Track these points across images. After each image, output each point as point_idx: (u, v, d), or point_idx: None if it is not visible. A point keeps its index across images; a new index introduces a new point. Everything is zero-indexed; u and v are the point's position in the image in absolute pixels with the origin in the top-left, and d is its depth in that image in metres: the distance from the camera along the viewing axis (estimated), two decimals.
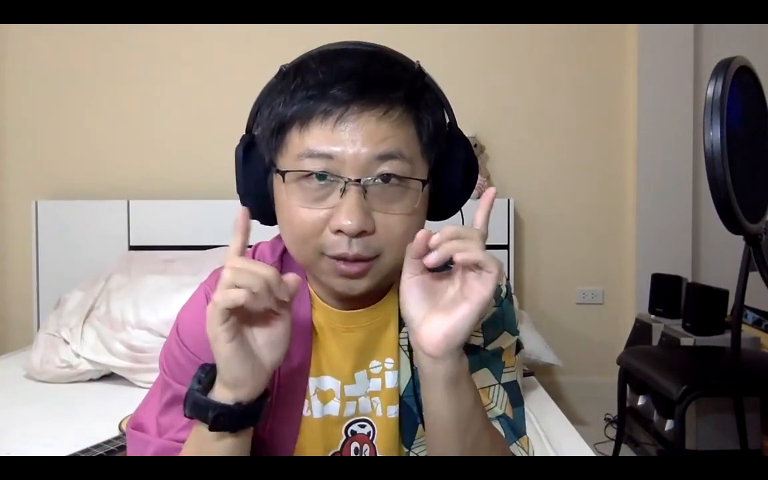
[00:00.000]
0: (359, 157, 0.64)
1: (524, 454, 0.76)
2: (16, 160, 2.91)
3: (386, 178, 0.65)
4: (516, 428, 0.77)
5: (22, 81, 2.90)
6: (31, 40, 2.88)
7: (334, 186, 0.65)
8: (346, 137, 0.64)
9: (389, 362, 0.76)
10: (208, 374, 0.64)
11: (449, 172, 0.72)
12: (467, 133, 0.76)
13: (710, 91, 1.54)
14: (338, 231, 0.64)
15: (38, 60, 2.90)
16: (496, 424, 0.75)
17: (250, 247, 0.81)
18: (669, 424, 2.27)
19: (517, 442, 0.76)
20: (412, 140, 0.67)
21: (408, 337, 0.76)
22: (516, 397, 0.78)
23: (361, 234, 0.64)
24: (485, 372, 0.76)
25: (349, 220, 0.63)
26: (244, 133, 0.74)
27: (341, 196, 0.64)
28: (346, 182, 0.64)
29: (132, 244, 2.74)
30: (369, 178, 0.65)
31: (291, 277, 0.62)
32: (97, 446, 1.42)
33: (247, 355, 0.61)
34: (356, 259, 0.66)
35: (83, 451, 1.40)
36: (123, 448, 1.42)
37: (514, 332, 0.80)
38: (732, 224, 1.59)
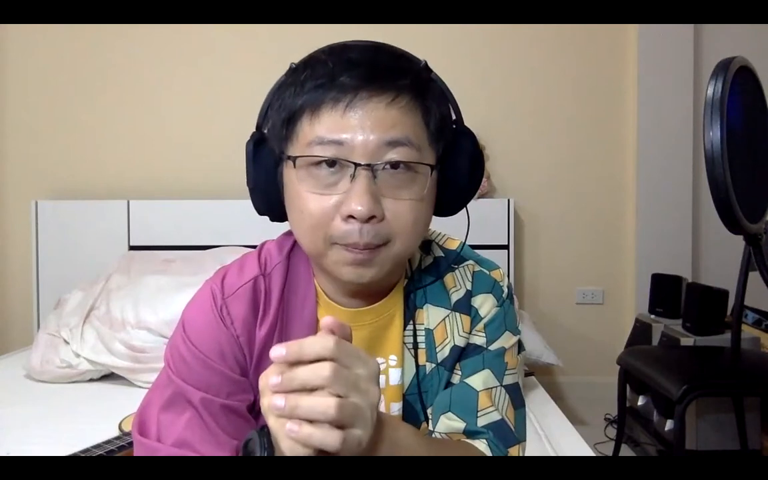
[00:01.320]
0: (368, 143, 0.65)
1: None
2: (16, 160, 2.91)
3: (395, 164, 0.66)
4: (509, 436, 0.75)
5: (22, 81, 2.90)
6: (31, 40, 2.88)
7: (344, 172, 0.66)
8: (356, 123, 0.65)
9: (393, 359, 0.76)
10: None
11: (456, 164, 0.73)
12: None
13: (710, 91, 1.54)
14: (349, 217, 0.65)
15: (38, 60, 2.90)
16: (482, 445, 0.73)
17: (255, 247, 0.81)
18: (669, 424, 2.27)
19: (508, 454, 0.75)
20: (420, 128, 0.68)
21: (412, 335, 0.76)
22: (517, 400, 0.78)
23: (371, 219, 0.65)
24: (488, 373, 0.76)
25: (360, 205, 0.64)
26: (255, 130, 0.74)
27: (351, 181, 0.65)
28: (356, 167, 0.64)
29: (132, 244, 2.74)
30: (378, 163, 0.65)
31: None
32: (97, 446, 1.42)
33: None
34: (366, 248, 0.66)
35: (83, 451, 1.40)
36: (123, 448, 1.41)
37: (516, 332, 0.80)
38: (732, 224, 1.58)
